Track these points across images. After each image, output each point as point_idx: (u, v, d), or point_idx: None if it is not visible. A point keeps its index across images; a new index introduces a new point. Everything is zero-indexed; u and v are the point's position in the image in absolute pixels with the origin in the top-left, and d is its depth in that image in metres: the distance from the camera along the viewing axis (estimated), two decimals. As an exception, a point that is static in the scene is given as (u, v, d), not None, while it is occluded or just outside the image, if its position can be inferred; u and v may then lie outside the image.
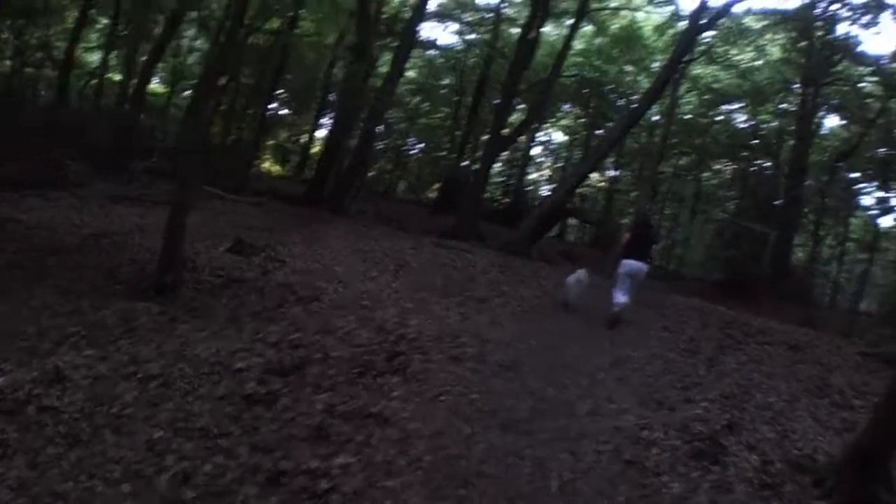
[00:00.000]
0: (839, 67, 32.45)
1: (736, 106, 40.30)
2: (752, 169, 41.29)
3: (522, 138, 39.10)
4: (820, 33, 31.63)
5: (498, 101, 29.51)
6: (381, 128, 37.49)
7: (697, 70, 36.18)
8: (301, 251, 15.02)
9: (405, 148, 48.10)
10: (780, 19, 31.98)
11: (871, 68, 31.23)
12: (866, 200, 38.91)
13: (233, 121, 33.90)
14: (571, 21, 30.35)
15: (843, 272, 41.72)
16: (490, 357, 9.46)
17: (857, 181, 37.32)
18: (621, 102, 41.62)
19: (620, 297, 13.43)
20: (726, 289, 26.46)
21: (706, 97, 39.02)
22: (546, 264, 21.32)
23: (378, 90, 26.55)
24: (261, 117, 33.87)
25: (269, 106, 39.25)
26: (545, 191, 48.94)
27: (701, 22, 24.03)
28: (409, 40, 26.20)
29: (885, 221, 41.14)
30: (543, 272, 17.97)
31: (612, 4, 33.80)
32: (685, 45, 24.25)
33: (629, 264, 13.77)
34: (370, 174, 47.13)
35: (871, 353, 13.69)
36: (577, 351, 10.94)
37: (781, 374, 11.34)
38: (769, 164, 39.50)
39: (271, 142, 46.45)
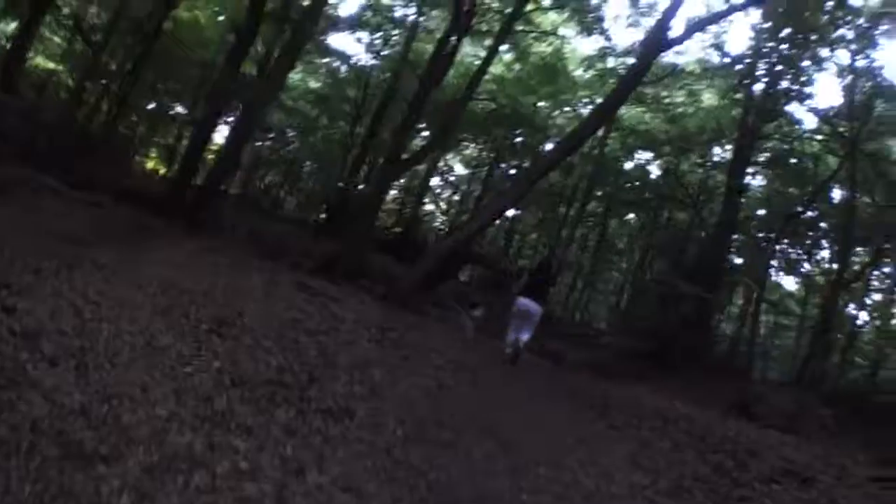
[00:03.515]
0: (775, 124, 28.54)
1: (652, 154, 35.68)
2: (664, 221, 36.83)
3: (422, 166, 34.20)
4: (765, 80, 27.00)
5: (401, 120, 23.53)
6: (271, 133, 32.74)
7: (621, 110, 31.28)
8: (78, 284, 8.81)
9: (299, 162, 41.49)
10: (722, 64, 27.89)
11: (813, 125, 28.33)
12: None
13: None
14: (491, 42, 25.14)
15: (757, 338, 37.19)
16: None
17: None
18: (532, 139, 36.05)
19: (511, 337, 13.06)
20: (654, 360, 21.11)
21: (630, 140, 33.86)
22: (443, 320, 16.36)
23: (263, 81, 20.65)
24: (117, 106, 26.77)
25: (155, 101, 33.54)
26: (439, 223, 44.00)
27: (666, 39, 18.38)
28: (305, 29, 20.13)
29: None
30: (438, 337, 12.00)
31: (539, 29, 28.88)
32: (639, 70, 18.43)
33: (521, 303, 13.34)
34: (262, 186, 42.14)
35: (884, 479, 9.74)
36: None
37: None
38: (685, 217, 35.11)
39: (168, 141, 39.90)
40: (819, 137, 28.74)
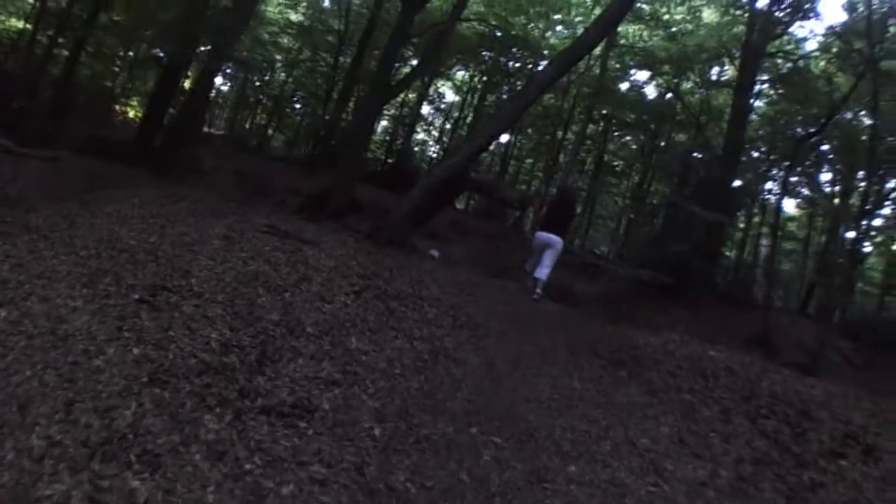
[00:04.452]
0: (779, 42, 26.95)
1: (649, 74, 33.41)
2: (663, 143, 35.01)
3: (413, 94, 32.72)
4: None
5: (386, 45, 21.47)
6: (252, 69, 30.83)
7: (619, 27, 29.02)
8: None
9: (284, 97, 39.22)
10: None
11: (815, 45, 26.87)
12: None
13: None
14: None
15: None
16: None
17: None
18: (525, 61, 33.72)
19: (537, 272, 12.00)
20: (666, 291, 19.29)
21: (629, 59, 31.77)
22: (440, 258, 14.58)
23: (230, 11, 18.53)
24: (78, 53, 24.28)
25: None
26: (433, 152, 41.94)
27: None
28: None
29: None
30: (431, 281, 9.95)
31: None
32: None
33: (542, 236, 12.31)
34: (248, 126, 40.30)
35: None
36: None
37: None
38: (683, 139, 33.58)
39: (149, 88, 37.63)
40: (822, 56, 26.95)
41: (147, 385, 4.83)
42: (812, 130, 24.98)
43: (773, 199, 34.08)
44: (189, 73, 22.10)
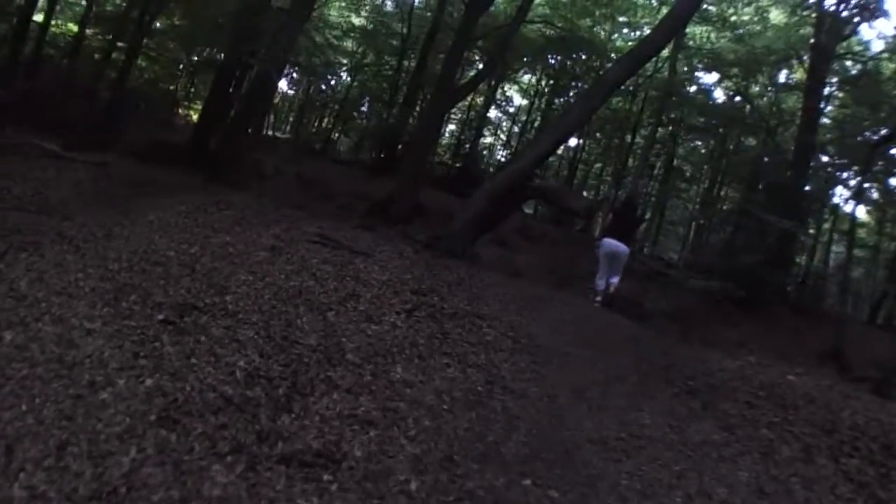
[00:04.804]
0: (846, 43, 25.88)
1: (717, 77, 32.71)
2: (733, 147, 34.40)
3: (479, 98, 32.99)
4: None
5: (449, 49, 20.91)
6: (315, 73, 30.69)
7: (687, 29, 28.17)
8: (17, 270, 6.60)
9: (351, 101, 38.95)
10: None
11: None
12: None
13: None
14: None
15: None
16: None
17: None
18: (592, 63, 32.81)
19: (607, 281, 12.16)
20: (741, 302, 18.39)
21: (697, 61, 31.17)
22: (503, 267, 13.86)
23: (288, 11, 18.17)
24: (132, 57, 24.09)
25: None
26: (501, 156, 41.43)
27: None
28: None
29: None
30: (491, 295, 9.28)
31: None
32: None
33: (608, 244, 12.26)
34: (313, 130, 40.22)
35: None
36: None
37: None
38: (752, 143, 32.83)
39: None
40: (892, 57, 25.96)
41: (154, 425, 4.21)
42: (884, 134, 23.93)
43: (842, 204, 33.11)
44: (251, 77, 21.76)
